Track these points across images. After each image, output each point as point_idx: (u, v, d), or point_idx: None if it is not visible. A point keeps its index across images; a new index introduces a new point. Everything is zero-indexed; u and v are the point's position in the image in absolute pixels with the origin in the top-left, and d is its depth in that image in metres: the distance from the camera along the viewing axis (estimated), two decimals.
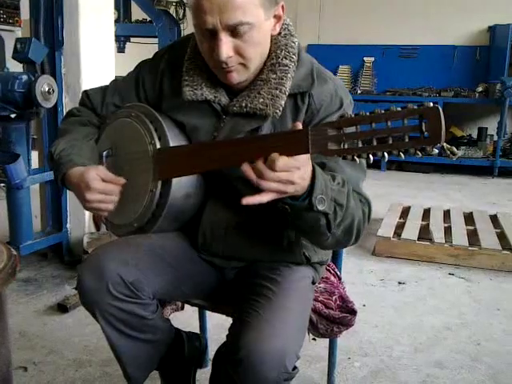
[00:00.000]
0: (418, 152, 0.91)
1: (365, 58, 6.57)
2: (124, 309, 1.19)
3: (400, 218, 3.65)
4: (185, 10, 5.35)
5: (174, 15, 5.19)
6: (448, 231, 3.38)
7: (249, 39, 1.10)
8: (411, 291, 2.71)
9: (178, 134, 1.25)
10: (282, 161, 0.96)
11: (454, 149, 5.56)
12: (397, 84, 6.42)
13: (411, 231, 3.35)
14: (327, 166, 1.14)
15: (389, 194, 4.79)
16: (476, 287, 2.78)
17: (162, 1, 4.95)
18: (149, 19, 5.14)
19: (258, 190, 1.07)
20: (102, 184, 1.19)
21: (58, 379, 1.84)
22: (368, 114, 0.92)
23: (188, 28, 5.09)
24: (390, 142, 0.91)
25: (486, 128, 6.06)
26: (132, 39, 5.29)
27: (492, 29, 6.21)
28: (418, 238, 3.23)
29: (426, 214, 3.80)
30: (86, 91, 1.43)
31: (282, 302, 1.15)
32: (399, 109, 0.90)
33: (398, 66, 6.50)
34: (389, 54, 6.55)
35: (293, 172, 0.98)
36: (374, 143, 0.92)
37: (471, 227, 3.47)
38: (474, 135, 6.21)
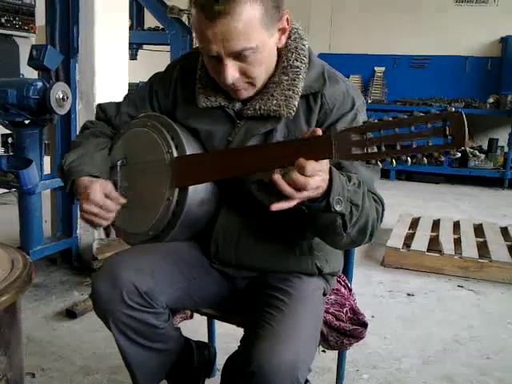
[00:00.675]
0: (441, 156, 0.93)
1: (376, 68, 6.57)
2: (137, 318, 1.19)
3: (409, 229, 3.64)
4: None
5: (187, 23, 5.22)
6: (458, 243, 3.36)
7: (253, 61, 1.12)
8: (420, 303, 2.69)
9: (193, 142, 1.27)
10: (311, 165, 0.97)
11: (477, 152, 5.58)
12: (407, 94, 6.41)
13: (420, 242, 3.33)
14: (343, 166, 1.15)
15: (398, 203, 4.77)
16: (485, 300, 2.76)
17: (175, 9, 4.98)
18: (161, 27, 5.18)
19: (273, 195, 1.08)
20: (102, 199, 1.21)
21: None
22: (391, 118, 0.94)
23: None
24: (414, 146, 0.93)
25: (497, 139, 6.04)
26: (144, 46, 5.33)
27: (504, 40, 6.19)
28: (428, 250, 3.22)
29: (436, 224, 3.78)
30: (99, 105, 1.46)
31: (295, 315, 1.15)
32: (422, 114, 0.92)
33: (408, 76, 6.49)
34: (400, 63, 6.55)
35: (320, 176, 0.99)
36: (398, 148, 0.94)
37: (481, 239, 3.45)
38: (485, 146, 6.18)
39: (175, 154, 1.23)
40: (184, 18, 5.21)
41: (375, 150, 0.95)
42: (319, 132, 1.00)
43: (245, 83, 1.16)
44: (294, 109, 1.18)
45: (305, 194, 0.99)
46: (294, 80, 1.19)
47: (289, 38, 1.22)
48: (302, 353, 1.08)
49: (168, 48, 5.06)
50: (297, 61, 1.20)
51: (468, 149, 5.25)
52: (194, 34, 5.08)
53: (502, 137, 6.09)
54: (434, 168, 5.94)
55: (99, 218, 1.22)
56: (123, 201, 1.25)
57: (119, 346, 1.24)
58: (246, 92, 1.18)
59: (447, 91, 6.31)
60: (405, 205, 4.75)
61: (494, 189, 5.78)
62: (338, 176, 1.05)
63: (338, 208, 1.04)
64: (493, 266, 3.03)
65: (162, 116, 1.31)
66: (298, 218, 1.16)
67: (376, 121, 0.96)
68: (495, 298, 2.79)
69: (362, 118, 1.22)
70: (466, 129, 0.90)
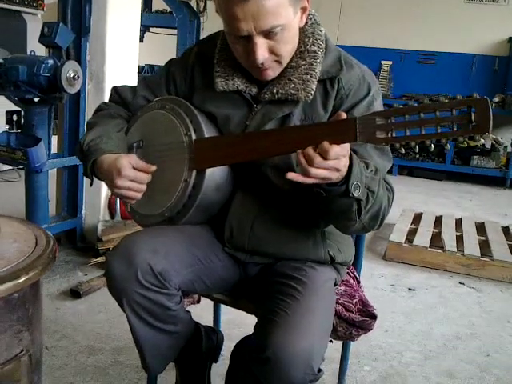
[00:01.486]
0: (465, 142, 0.95)
1: (382, 62, 6.54)
2: (150, 298, 1.19)
3: (412, 224, 3.65)
4: (205, 3, 5.35)
5: (195, 8, 5.19)
6: (460, 240, 3.37)
7: (281, 39, 1.13)
8: (421, 298, 2.70)
9: (210, 126, 1.27)
10: (333, 149, 0.99)
11: (500, 138, 5.59)
12: (413, 89, 6.39)
13: (423, 238, 3.34)
14: (357, 152, 1.15)
15: (400, 198, 4.74)
16: (486, 298, 2.77)
17: None
18: (169, 10, 5.14)
19: (289, 180, 1.09)
20: (134, 171, 1.20)
21: (70, 365, 1.85)
22: (416, 104, 0.96)
23: (208, 21, 5.09)
24: (439, 130, 0.94)
25: (501, 139, 6.03)
26: (151, 29, 5.29)
27: None
28: (430, 246, 3.23)
29: (438, 221, 3.79)
30: (115, 87, 1.45)
31: (309, 304, 1.15)
32: (447, 100, 0.94)
33: (415, 72, 6.47)
34: (407, 58, 6.53)
35: (340, 160, 1.01)
36: (423, 132, 0.95)
37: (483, 237, 3.46)
38: (488, 145, 6.18)
39: (194, 137, 1.23)
40: (192, 2, 5.18)
41: (402, 134, 0.96)
42: (343, 116, 1.01)
43: (273, 62, 1.16)
44: (312, 92, 1.19)
45: (320, 173, 1.00)
46: (312, 64, 1.19)
47: (306, 23, 1.22)
48: (316, 342, 1.09)
49: (175, 32, 5.04)
50: (314, 45, 1.21)
51: (491, 135, 5.28)
52: (203, 19, 5.06)
53: (505, 136, 6.09)
54: (436, 165, 5.94)
55: (134, 191, 1.21)
56: (153, 168, 1.23)
57: (131, 325, 1.24)
58: (273, 72, 1.19)
59: (453, 88, 6.27)
60: (407, 200, 4.76)
61: (495, 188, 5.79)
62: (358, 162, 1.06)
63: (355, 194, 1.05)
64: (494, 265, 3.04)
65: (180, 99, 1.31)
66: (313, 202, 1.17)
67: (401, 106, 0.97)
68: (496, 297, 2.80)
69: (378, 103, 1.23)
70: (491, 115, 0.92)
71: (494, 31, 6.26)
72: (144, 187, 1.23)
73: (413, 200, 4.81)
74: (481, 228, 3.70)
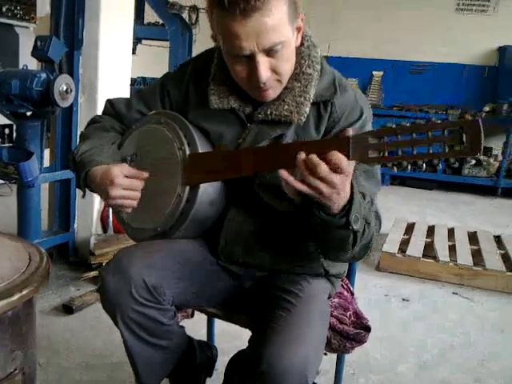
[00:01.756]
0: (456, 162, 0.96)
1: (374, 72, 6.60)
2: (145, 313, 1.19)
3: (404, 235, 3.66)
4: (198, 15, 5.39)
5: (187, 20, 5.22)
6: (452, 250, 3.38)
7: (282, 56, 1.13)
8: (415, 308, 2.71)
9: (205, 141, 1.27)
10: (344, 161, 0.97)
11: (491, 160, 5.64)
12: (404, 99, 6.43)
13: (416, 248, 3.35)
14: None
15: (393, 208, 4.79)
16: (480, 308, 2.78)
17: (176, 5, 4.99)
18: (161, 22, 5.17)
19: (279, 198, 1.14)
20: (126, 180, 1.21)
21: (64, 382, 1.83)
22: (409, 124, 0.96)
23: (200, 32, 5.12)
24: (431, 151, 0.94)
25: (491, 148, 6.08)
26: (143, 41, 5.31)
27: (501, 49, 6.24)
28: (422, 256, 3.24)
29: (431, 231, 3.81)
30: (109, 100, 1.45)
31: (303, 317, 1.15)
32: (440, 121, 0.96)
33: (406, 82, 6.53)
34: (398, 69, 6.58)
35: (340, 175, 0.98)
36: (415, 152, 0.95)
37: (475, 247, 3.48)
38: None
39: (188, 152, 1.23)
40: (185, 15, 5.21)
41: (393, 154, 0.97)
42: (349, 132, 1.00)
43: (274, 81, 1.16)
44: (305, 115, 1.19)
45: (319, 185, 0.97)
46: (306, 87, 1.20)
47: (302, 44, 1.23)
48: (311, 355, 1.08)
49: (167, 44, 5.06)
50: (309, 68, 1.21)
51: (482, 157, 5.33)
52: (195, 31, 5.08)
53: (496, 145, 6.14)
54: (428, 174, 5.97)
55: (129, 199, 1.21)
56: (146, 174, 1.24)
57: (125, 341, 1.23)
58: (274, 92, 1.18)
59: (444, 98, 6.35)
60: (399, 210, 4.78)
61: (487, 197, 5.82)
62: (358, 193, 1.05)
63: (355, 226, 1.04)
64: (487, 274, 3.05)
65: (175, 114, 1.31)
66: (309, 231, 1.16)
67: (394, 126, 0.97)
68: (489, 306, 2.81)
69: (368, 127, 1.23)
70: (483, 137, 0.92)
71: (483, 41, 6.33)
72: (138, 194, 1.23)
73: (405, 210, 4.83)
74: (473, 237, 3.71)
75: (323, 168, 0.97)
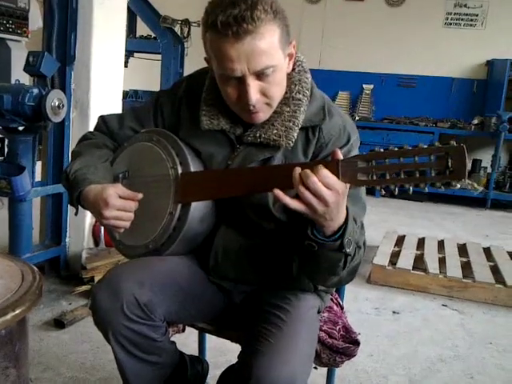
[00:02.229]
0: (442, 186, 0.98)
1: (364, 85, 6.66)
2: (136, 330, 1.20)
3: (395, 247, 3.68)
4: (189, 28, 5.42)
5: (179, 33, 5.26)
6: (442, 262, 3.41)
7: (272, 80, 1.15)
8: (406, 321, 2.73)
9: (197, 160, 1.29)
10: (333, 178, 0.99)
11: (475, 185, 5.69)
12: (394, 112, 6.50)
13: (406, 260, 3.38)
14: None
15: (383, 220, 4.83)
16: (469, 320, 2.80)
17: (168, 19, 5.02)
18: (153, 35, 5.21)
19: (267, 218, 1.19)
20: (120, 201, 1.22)
21: None
22: (396, 149, 0.99)
23: (192, 46, 5.16)
24: (418, 175, 0.98)
25: (481, 160, 6.15)
26: (135, 54, 5.34)
27: (490, 63, 6.32)
28: (413, 268, 3.26)
29: (421, 243, 3.83)
30: (102, 116, 1.46)
31: (293, 332, 1.17)
32: (426, 146, 0.98)
33: (396, 95, 6.60)
34: (388, 82, 6.65)
35: (332, 192, 0.99)
36: (402, 176, 0.98)
37: (465, 259, 3.51)
38: (468, 167, 6.28)
39: (180, 171, 1.25)
40: (177, 28, 5.25)
41: (382, 177, 0.99)
42: (338, 155, 1.02)
43: (263, 104, 1.18)
44: (293, 140, 1.21)
45: (308, 196, 0.99)
46: (295, 112, 1.22)
47: (293, 69, 1.25)
48: (299, 369, 1.10)
49: (159, 57, 5.09)
50: (299, 93, 1.23)
51: (468, 181, 5.40)
52: (187, 44, 5.12)
53: (485, 158, 6.20)
54: None
55: (123, 220, 1.22)
56: (140, 195, 1.25)
57: (116, 357, 1.24)
58: (263, 115, 1.20)
59: (433, 111, 6.42)
60: (390, 222, 4.81)
61: (476, 209, 5.87)
62: (351, 216, 1.06)
63: (348, 249, 1.06)
64: (476, 287, 3.07)
65: (167, 132, 1.32)
66: (301, 255, 1.18)
67: (381, 150, 1.00)
68: (478, 318, 2.83)
69: (355, 152, 1.24)
70: (467, 162, 0.96)
71: (471, 55, 6.41)
72: (132, 215, 1.24)
73: (396, 222, 4.87)
74: (463, 249, 3.74)
75: (314, 179, 0.98)
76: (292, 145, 1.21)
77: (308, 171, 1.00)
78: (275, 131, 1.21)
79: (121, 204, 1.21)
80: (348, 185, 1.02)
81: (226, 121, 1.26)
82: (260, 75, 1.12)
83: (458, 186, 0.97)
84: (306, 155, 1.24)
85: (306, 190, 0.99)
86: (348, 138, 1.25)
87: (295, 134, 1.21)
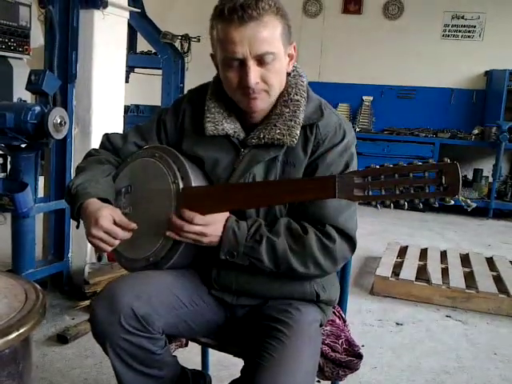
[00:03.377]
0: (436, 203, 1.01)
1: (364, 97, 6.69)
2: (134, 342, 1.21)
3: (398, 258, 3.68)
4: (190, 43, 5.47)
5: (179, 48, 5.30)
6: (445, 272, 3.41)
7: (272, 68, 1.22)
8: (409, 332, 2.72)
9: (198, 175, 1.32)
10: (196, 217, 1.21)
11: (469, 201, 5.65)
12: (394, 123, 6.52)
13: (409, 271, 3.37)
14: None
15: (385, 231, 4.83)
16: (473, 331, 2.79)
17: (169, 34, 5.06)
18: (153, 51, 5.25)
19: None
20: (111, 225, 1.24)
21: None
22: (392, 165, 1.02)
23: (192, 61, 5.20)
24: (412, 191, 1.01)
25: (482, 170, 6.15)
26: (136, 70, 5.39)
27: (489, 73, 6.35)
28: (416, 279, 3.26)
29: (423, 253, 3.83)
30: (106, 134, 1.50)
31: (295, 346, 1.18)
32: (421, 163, 1.01)
33: (396, 106, 6.62)
34: (387, 94, 6.68)
35: (207, 227, 1.22)
36: (397, 192, 1.01)
37: (468, 269, 3.50)
38: (470, 176, 6.30)
39: (181, 185, 1.27)
40: (177, 44, 5.29)
41: (377, 193, 1.02)
42: None
43: (262, 91, 1.24)
44: (297, 137, 1.27)
45: (190, 236, 1.23)
46: (295, 112, 1.28)
47: (289, 74, 1.32)
48: (302, 383, 1.11)
49: (160, 72, 5.14)
50: (297, 95, 1.30)
51: (461, 197, 5.42)
52: (187, 59, 5.15)
53: (486, 167, 6.21)
54: None
55: (105, 243, 1.24)
56: (133, 225, 1.27)
57: (116, 370, 1.25)
58: (261, 102, 1.26)
59: (433, 122, 6.44)
60: (391, 232, 4.81)
61: (478, 218, 5.86)
62: (234, 233, 1.23)
63: (230, 259, 1.25)
64: (479, 297, 3.07)
65: (169, 148, 1.36)
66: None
67: (377, 166, 1.03)
68: (482, 329, 2.83)
69: (351, 150, 1.31)
70: (461, 179, 0.99)
71: (470, 66, 6.44)
72: (116, 242, 1.26)
73: (397, 232, 4.87)
74: (465, 259, 3.73)
75: (187, 228, 1.22)
76: (296, 142, 1.27)
77: (179, 221, 1.22)
78: (278, 131, 1.27)
79: (109, 228, 1.23)
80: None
81: (229, 126, 1.32)
82: (260, 60, 1.20)
83: (452, 202, 1.00)
84: (306, 152, 1.29)
85: (187, 233, 1.23)
86: (343, 135, 1.31)
87: (298, 132, 1.27)
